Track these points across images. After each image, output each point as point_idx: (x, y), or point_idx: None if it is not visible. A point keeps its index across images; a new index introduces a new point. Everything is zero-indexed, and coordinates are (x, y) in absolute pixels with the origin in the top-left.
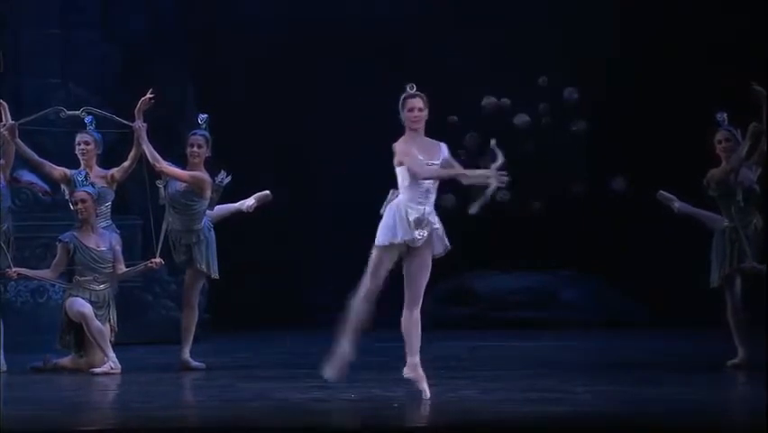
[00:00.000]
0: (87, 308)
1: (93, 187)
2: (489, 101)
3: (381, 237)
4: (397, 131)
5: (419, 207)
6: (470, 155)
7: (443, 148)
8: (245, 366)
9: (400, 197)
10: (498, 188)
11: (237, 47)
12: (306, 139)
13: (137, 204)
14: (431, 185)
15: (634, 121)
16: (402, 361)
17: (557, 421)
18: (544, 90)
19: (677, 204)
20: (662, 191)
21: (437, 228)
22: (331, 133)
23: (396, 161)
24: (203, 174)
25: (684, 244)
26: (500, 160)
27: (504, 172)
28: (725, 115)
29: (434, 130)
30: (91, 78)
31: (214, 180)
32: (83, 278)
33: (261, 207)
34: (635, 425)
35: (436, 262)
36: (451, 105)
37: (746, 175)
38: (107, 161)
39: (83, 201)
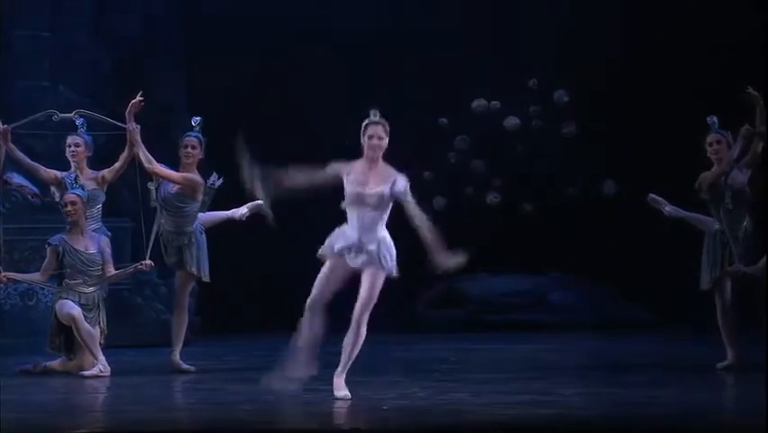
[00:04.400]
0: (77, 311)
1: (83, 189)
2: (479, 104)
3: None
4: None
5: (353, 234)
6: (460, 157)
7: (398, 182)
8: (235, 369)
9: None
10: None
11: (230, 50)
12: (299, 142)
13: (127, 206)
14: (373, 213)
15: (624, 124)
16: (388, 362)
17: (547, 424)
18: (535, 93)
19: (667, 207)
20: (651, 195)
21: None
22: (324, 136)
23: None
24: (195, 176)
25: (675, 247)
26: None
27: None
28: (715, 118)
29: (425, 132)
30: (82, 81)
31: (206, 182)
32: (72, 281)
33: (253, 214)
34: (625, 428)
35: (428, 265)
36: (441, 107)
37: (737, 177)
38: (99, 163)
39: (73, 203)
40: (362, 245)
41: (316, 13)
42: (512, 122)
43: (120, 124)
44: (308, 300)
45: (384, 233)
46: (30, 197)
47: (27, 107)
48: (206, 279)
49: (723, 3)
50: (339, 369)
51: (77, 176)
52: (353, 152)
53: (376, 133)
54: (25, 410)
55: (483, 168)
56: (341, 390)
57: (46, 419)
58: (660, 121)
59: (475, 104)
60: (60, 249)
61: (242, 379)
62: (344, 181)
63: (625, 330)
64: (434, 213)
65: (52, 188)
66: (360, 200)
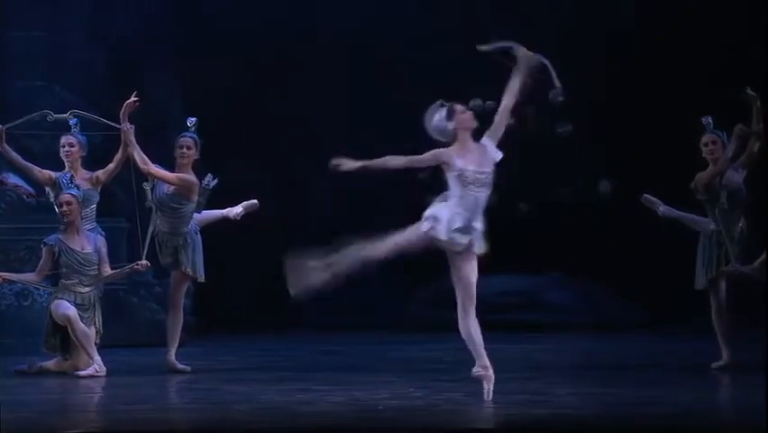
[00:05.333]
0: (72, 311)
1: (78, 189)
2: (475, 103)
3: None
4: (388, 136)
5: (465, 213)
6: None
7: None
8: (231, 369)
9: (452, 201)
10: None
11: (226, 50)
12: (296, 143)
13: (123, 206)
14: (479, 193)
15: (621, 123)
16: (383, 362)
17: (543, 424)
18: (530, 92)
19: (662, 208)
20: (646, 195)
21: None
22: (320, 138)
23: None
24: (190, 176)
25: (672, 246)
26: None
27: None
28: (710, 118)
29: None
30: (77, 81)
31: (201, 183)
32: (68, 281)
33: (249, 214)
34: (620, 428)
35: (423, 264)
36: (426, 107)
37: (732, 178)
38: (94, 163)
39: (68, 204)
40: (471, 228)
41: (313, 14)
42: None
43: (114, 124)
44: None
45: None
46: (25, 197)
47: (22, 107)
48: (201, 279)
49: (723, 3)
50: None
51: (72, 176)
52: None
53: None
54: (21, 411)
55: None
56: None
57: (41, 419)
58: (657, 121)
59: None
60: (56, 249)
61: (237, 379)
62: (452, 165)
63: (622, 330)
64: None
65: (47, 189)
66: (477, 180)
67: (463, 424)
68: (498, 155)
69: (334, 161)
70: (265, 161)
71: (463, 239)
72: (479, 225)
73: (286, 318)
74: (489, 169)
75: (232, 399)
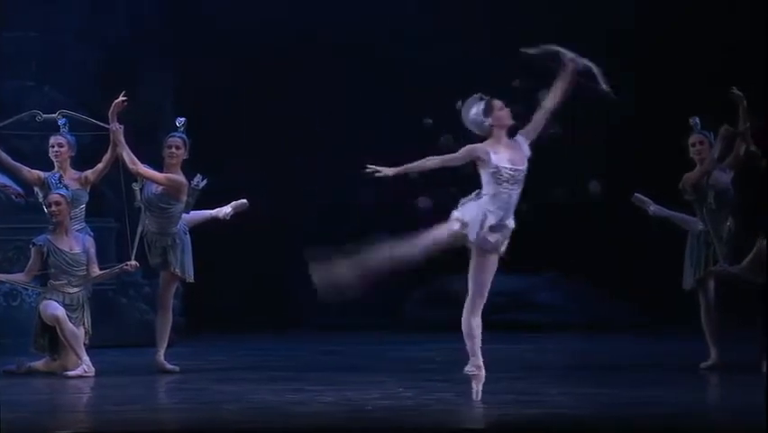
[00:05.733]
0: (61, 312)
1: (67, 189)
2: (446, 139)
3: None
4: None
5: (498, 212)
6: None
7: (525, 144)
8: (220, 369)
9: (485, 198)
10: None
11: (217, 51)
12: (288, 144)
13: (112, 207)
14: (512, 191)
15: (611, 124)
16: (376, 362)
17: (533, 423)
18: (519, 93)
19: (652, 207)
20: (637, 194)
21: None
22: (312, 138)
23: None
24: (179, 177)
25: (663, 247)
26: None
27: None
28: (698, 119)
29: (409, 131)
30: (68, 82)
31: (190, 183)
32: (57, 281)
33: (239, 214)
34: (614, 428)
35: (419, 265)
36: (426, 107)
37: (720, 178)
38: (83, 163)
39: (57, 204)
40: (503, 226)
41: (305, 14)
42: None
43: (103, 124)
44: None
45: None
46: (14, 197)
47: (13, 108)
48: (191, 279)
49: (723, 3)
50: None
51: (61, 176)
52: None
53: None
54: (9, 411)
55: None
56: None
57: (30, 419)
58: (647, 121)
59: (459, 104)
60: (45, 249)
61: (226, 379)
62: (487, 161)
63: (615, 330)
64: (420, 212)
65: (36, 189)
66: (511, 178)
67: (454, 424)
68: (529, 153)
69: (370, 168)
70: (263, 161)
71: (494, 237)
72: (511, 223)
73: (276, 318)
74: (523, 166)
75: (221, 399)
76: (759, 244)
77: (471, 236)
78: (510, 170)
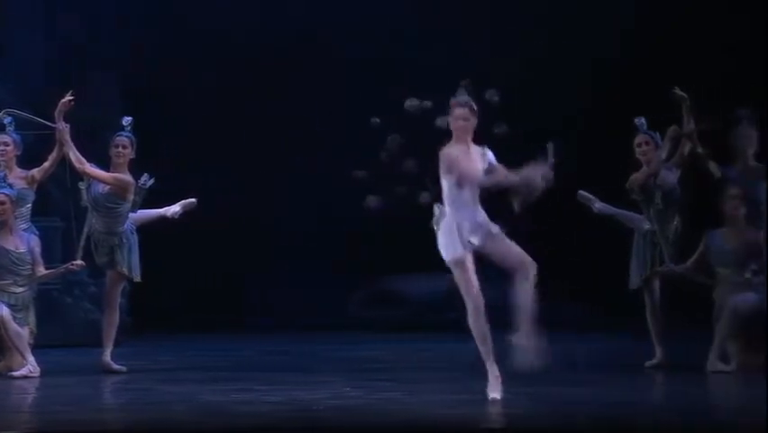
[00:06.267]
0: (5, 312)
1: (11, 188)
2: (411, 103)
3: (446, 255)
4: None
5: (470, 216)
6: (391, 156)
7: (489, 153)
8: (167, 369)
9: (448, 210)
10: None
11: (163, 50)
12: (233, 144)
13: (57, 206)
14: (475, 191)
15: (557, 123)
16: (322, 362)
17: (483, 422)
18: (467, 92)
19: (597, 204)
20: (581, 191)
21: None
22: (257, 139)
23: (442, 169)
24: (126, 176)
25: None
26: (551, 159)
27: (550, 171)
28: (643, 119)
29: (357, 130)
30: (14, 80)
31: (137, 183)
32: (2, 281)
33: (187, 213)
34: (555, 426)
35: (362, 265)
36: (373, 106)
37: (667, 178)
38: (27, 163)
39: (1, 203)
40: (479, 225)
41: (250, 15)
42: (444, 121)
43: (49, 123)
44: (470, 312)
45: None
46: None
47: None
48: (138, 279)
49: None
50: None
51: (5, 175)
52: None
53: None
54: None
55: (416, 167)
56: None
57: None
58: (593, 121)
59: (408, 103)
60: None
61: (173, 379)
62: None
63: (561, 329)
64: (367, 212)
65: None
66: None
67: (404, 423)
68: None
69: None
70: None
71: (476, 238)
72: (481, 215)
73: (222, 319)
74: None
75: (168, 399)
76: (704, 244)
77: (455, 254)
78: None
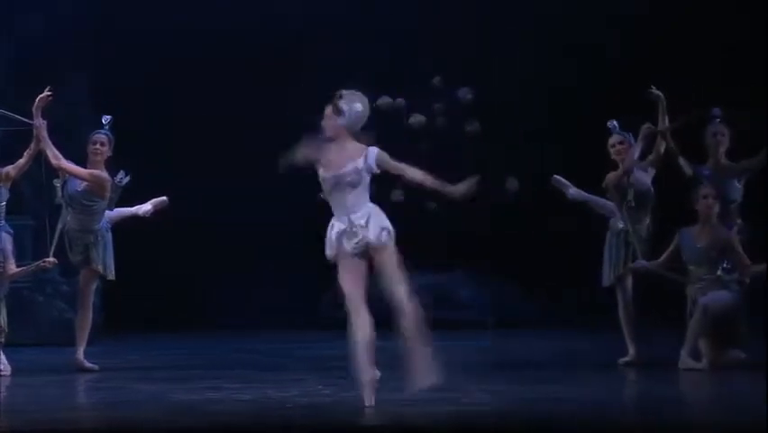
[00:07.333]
0: None
1: None
2: (384, 101)
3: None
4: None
5: (343, 220)
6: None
7: (370, 153)
8: (138, 368)
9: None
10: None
11: (135, 50)
12: (205, 144)
13: (29, 204)
14: (344, 194)
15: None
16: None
17: (450, 420)
18: (439, 90)
19: (571, 190)
20: (556, 176)
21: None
22: (231, 137)
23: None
24: (103, 173)
25: (579, 244)
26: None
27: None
28: (615, 122)
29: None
30: None
31: (113, 180)
32: None
33: (158, 211)
34: (530, 424)
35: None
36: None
37: (640, 177)
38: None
39: None
40: (354, 234)
41: (227, 15)
42: (417, 119)
43: (26, 120)
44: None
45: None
46: None
47: None
48: (112, 277)
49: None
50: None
51: None
52: None
53: (324, 114)
54: None
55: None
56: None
57: None
58: (567, 119)
59: (380, 101)
60: None
61: (145, 378)
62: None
63: (532, 327)
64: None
65: None
66: (338, 182)
67: (376, 421)
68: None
69: None
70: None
71: (349, 245)
72: (361, 222)
73: (195, 318)
74: (345, 168)
75: (140, 398)
76: (676, 242)
77: (327, 253)
78: (331, 179)
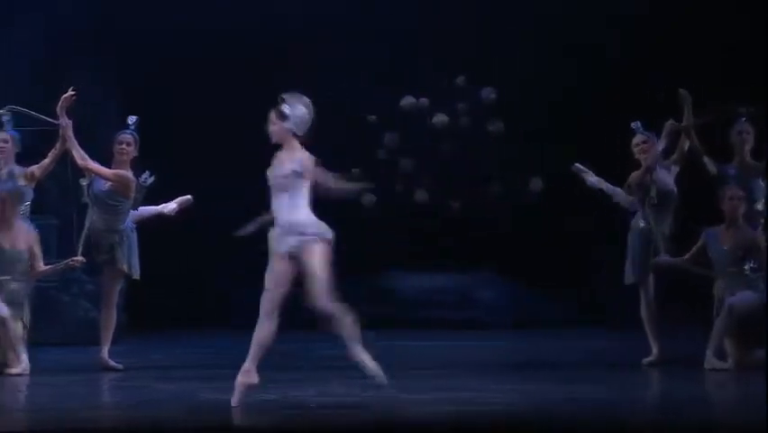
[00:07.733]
0: (6, 311)
1: (14, 184)
2: (407, 101)
3: None
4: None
5: (279, 221)
6: (389, 154)
7: (297, 158)
8: (162, 367)
9: None
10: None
11: (160, 49)
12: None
13: (53, 204)
14: (281, 196)
15: (557, 123)
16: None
17: (469, 420)
18: (463, 90)
19: (591, 177)
20: (577, 164)
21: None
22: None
23: None
24: (128, 173)
25: (601, 245)
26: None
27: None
28: (638, 123)
29: (354, 129)
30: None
31: (138, 180)
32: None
33: (183, 210)
34: (548, 424)
35: (357, 262)
36: (369, 104)
37: (663, 177)
38: (28, 160)
39: (2, 201)
40: (287, 233)
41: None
42: (440, 119)
43: (52, 120)
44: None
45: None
46: None
47: None
48: (137, 276)
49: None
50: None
51: (10, 171)
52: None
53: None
54: None
55: (411, 165)
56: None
57: None
58: (590, 119)
59: (404, 101)
60: None
61: (168, 377)
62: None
63: (552, 328)
64: (363, 210)
65: None
66: (273, 184)
67: (387, 419)
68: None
69: None
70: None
71: (285, 246)
72: (293, 223)
73: (219, 317)
74: (284, 171)
75: (164, 397)
76: (702, 242)
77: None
78: (269, 179)
